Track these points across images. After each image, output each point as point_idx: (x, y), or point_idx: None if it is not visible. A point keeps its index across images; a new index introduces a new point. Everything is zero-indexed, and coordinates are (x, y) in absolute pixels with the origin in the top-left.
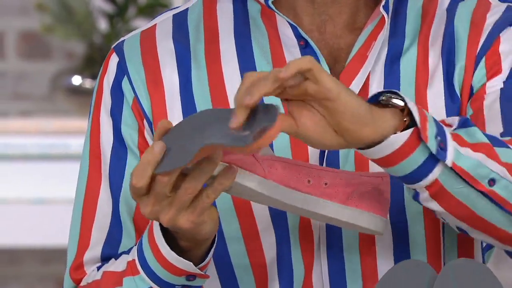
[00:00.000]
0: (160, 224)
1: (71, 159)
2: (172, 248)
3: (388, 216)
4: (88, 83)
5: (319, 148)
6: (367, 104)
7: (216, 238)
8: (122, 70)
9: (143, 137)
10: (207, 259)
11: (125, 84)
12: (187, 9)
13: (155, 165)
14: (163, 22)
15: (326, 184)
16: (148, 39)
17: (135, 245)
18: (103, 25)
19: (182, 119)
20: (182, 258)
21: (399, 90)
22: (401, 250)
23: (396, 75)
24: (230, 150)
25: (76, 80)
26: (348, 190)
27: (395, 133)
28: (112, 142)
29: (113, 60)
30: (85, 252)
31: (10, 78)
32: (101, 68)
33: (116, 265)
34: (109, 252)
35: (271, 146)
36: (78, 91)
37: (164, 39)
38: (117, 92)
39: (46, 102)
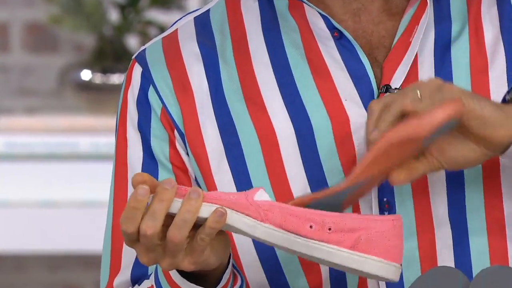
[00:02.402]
0: None
1: (80, 159)
2: (184, 274)
3: (401, 261)
4: (98, 78)
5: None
6: (493, 104)
7: (231, 262)
8: (147, 79)
9: (174, 149)
10: (221, 283)
11: (151, 94)
12: (208, 10)
13: (143, 210)
14: (185, 26)
15: (330, 229)
16: (171, 44)
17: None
18: (114, 16)
19: (214, 123)
20: (195, 286)
21: (452, 78)
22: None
23: (448, 63)
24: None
25: (86, 74)
26: (354, 236)
27: None
28: (142, 157)
29: (136, 70)
30: (116, 277)
31: (15, 73)
32: (124, 81)
33: None
34: (139, 274)
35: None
36: (88, 87)
37: (188, 43)
38: (143, 104)
39: (53, 98)
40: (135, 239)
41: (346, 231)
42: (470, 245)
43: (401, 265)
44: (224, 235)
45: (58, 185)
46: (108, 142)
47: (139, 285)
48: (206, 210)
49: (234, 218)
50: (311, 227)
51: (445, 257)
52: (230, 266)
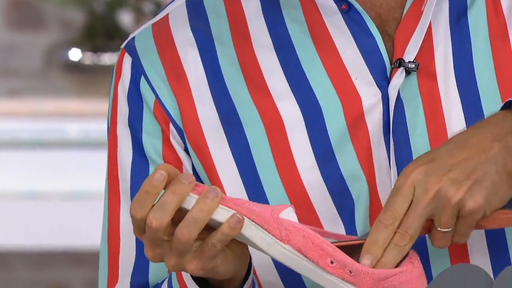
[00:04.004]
0: None
1: (68, 146)
2: (201, 285)
3: None
4: (88, 58)
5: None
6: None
7: (251, 275)
8: (137, 70)
9: (168, 145)
10: None
11: (143, 85)
12: None
13: (156, 197)
14: (176, 10)
15: (350, 272)
16: (162, 31)
17: (166, 278)
18: None
19: (215, 112)
20: None
21: (470, 46)
22: None
23: (465, 32)
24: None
25: (74, 54)
26: (375, 286)
27: None
28: (132, 156)
29: (126, 61)
30: (115, 287)
31: None
32: (113, 74)
33: None
34: (139, 284)
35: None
36: (77, 67)
37: (181, 29)
38: (134, 97)
39: (38, 79)
40: (142, 228)
41: (367, 278)
42: (507, 237)
43: None
44: (242, 246)
45: (44, 175)
46: (99, 128)
47: None
48: (222, 214)
49: (251, 230)
50: (332, 262)
51: (478, 250)
52: (250, 279)
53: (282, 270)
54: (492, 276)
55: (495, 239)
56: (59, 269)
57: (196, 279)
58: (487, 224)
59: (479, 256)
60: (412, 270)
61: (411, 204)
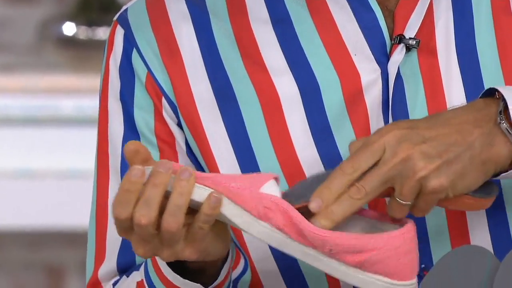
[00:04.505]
0: None
1: (62, 123)
2: (179, 268)
3: (415, 277)
4: (83, 32)
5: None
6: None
7: (231, 254)
8: (130, 43)
9: (160, 119)
10: (219, 278)
11: (135, 58)
12: None
13: (137, 193)
14: None
15: (331, 250)
16: (156, 3)
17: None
18: None
19: (208, 87)
20: (189, 281)
21: (472, 21)
22: None
23: (467, 7)
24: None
25: (68, 28)
26: (359, 258)
27: None
28: (123, 131)
29: (118, 33)
30: (100, 267)
31: None
32: (105, 47)
33: (127, 285)
34: (126, 262)
35: None
36: (71, 42)
37: (175, 2)
38: (126, 70)
39: (32, 54)
40: (128, 228)
41: (349, 252)
42: (507, 214)
43: (416, 280)
44: (223, 224)
45: (37, 152)
46: (94, 105)
47: (127, 276)
48: (199, 194)
49: (229, 209)
50: (311, 242)
51: (478, 226)
52: (229, 259)
53: (277, 255)
54: (492, 251)
55: (495, 215)
56: (53, 250)
57: (173, 267)
58: (449, 205)
59: (479, 233)
60: (400, 244)
61: (375, 164)
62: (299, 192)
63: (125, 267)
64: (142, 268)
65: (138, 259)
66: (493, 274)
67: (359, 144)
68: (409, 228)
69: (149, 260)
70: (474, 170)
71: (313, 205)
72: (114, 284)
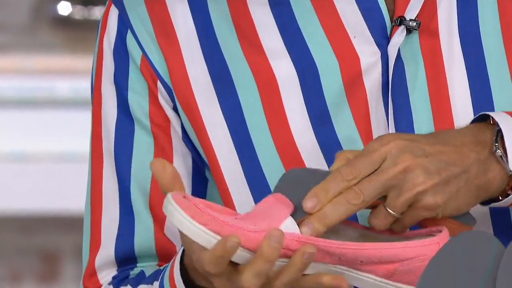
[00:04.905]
0: (181, 271)
1: (57, 105)
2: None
3: None
4: (79, 12)
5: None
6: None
7: None
8: (124, 23)
9: (155, 103)
10: None
11: (129, 40)
12: None
13: (230, 258)
14: None
15: (361, 262)
16: None
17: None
18: None
19: (205, 70)
20: None
21: (476, 5)
22: None
23: None
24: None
25: (64, 7)
26: (390, 267)
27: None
28: (116, 114)
29: (112, 13)
30: (97, 255)
31: None
32: (99, 27)
33: None
34: (124, 250)
35: None
36: (66, 22)
37: None
38: (120, 52)
39: (26, 34)
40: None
41: (381, 263)
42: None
43: None
44: None
45: (32, 135)
46: (89, 86)
47: (127, 284)
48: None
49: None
50: (339, 258)
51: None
52: None
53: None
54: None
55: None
56: (48, 235)
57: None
58: (432, 225)
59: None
60: (432, 252)
61: (374, 172)
62: (291, 189)
63: (123, 256)
64: (156, 284)
65: (137, 249)
66: (498, 260)
67: (349, 155)
68: (444, 236)
69: (166, 276)
70: (467, 193)
71: (308, 205)
72: (114, 278)
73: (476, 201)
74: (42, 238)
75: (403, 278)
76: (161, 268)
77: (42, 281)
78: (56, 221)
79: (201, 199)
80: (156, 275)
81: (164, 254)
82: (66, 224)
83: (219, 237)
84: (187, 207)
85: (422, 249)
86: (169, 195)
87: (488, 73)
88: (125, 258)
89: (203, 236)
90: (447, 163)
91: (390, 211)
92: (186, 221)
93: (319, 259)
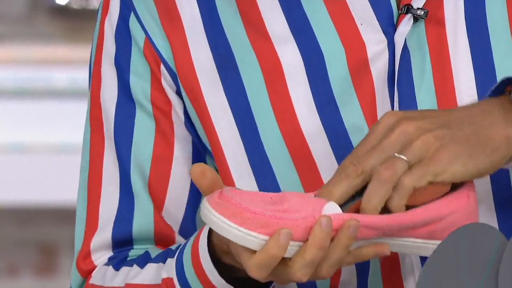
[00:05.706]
0: (208, 244)
1: (54, 95)
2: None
3: None
4: (76, 2)
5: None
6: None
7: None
8: (127, 6)
9: (158, 87)
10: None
11: (133, 23)
12: None
13: (285, 251)
14: None
15: (406, 228)
16: None
17: (166, 250)
18: None
19: (209, 55)
20: (225, 283)
21: None
22: None
23: None
24: None
25: None
26: (431, 228)
27: None
28: (116, 97)
29: None
30: (93, 237)
31: None
32: (100, 8)
33: (143, 277)
34: (122, 234)
35: None
36: (64, 11)
37: None
38: (123, 34)
39: (23, 24)
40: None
41: (417, 227)
42: None
43: None
44: None
45: (29, 126)
46: (87, 77)
47: (135, 265)
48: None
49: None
50: (383, 231)
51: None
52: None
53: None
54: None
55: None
56: (46, 227)
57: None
58: (421, 199)
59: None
60: (465, 206)
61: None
62: None
63: (120, 239)
64: (169, 265)
65: (135, 233)
66: (500, 252)
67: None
68: (470, 186)
69: (187, 261)
70: (475, 146)
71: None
72: (113, 262)
73: (488, 158)
74: (40, 230)
75: (442, 235)
76: (172, 247)
77: (40, 273)
78: (54, 213)
79: (233, 189)
80: (166, 254)
81: (161, 237)
82: (64, 216)
83: (267, 238)
84: (225, 211)
85: (458, 202)
86: (204, 201)
87: (494, 63)
88: (122, 241)
89: (250, 239)
90: (447, 122)
91: (402, 157)
92: (229, 226)
93: (363, 235)
